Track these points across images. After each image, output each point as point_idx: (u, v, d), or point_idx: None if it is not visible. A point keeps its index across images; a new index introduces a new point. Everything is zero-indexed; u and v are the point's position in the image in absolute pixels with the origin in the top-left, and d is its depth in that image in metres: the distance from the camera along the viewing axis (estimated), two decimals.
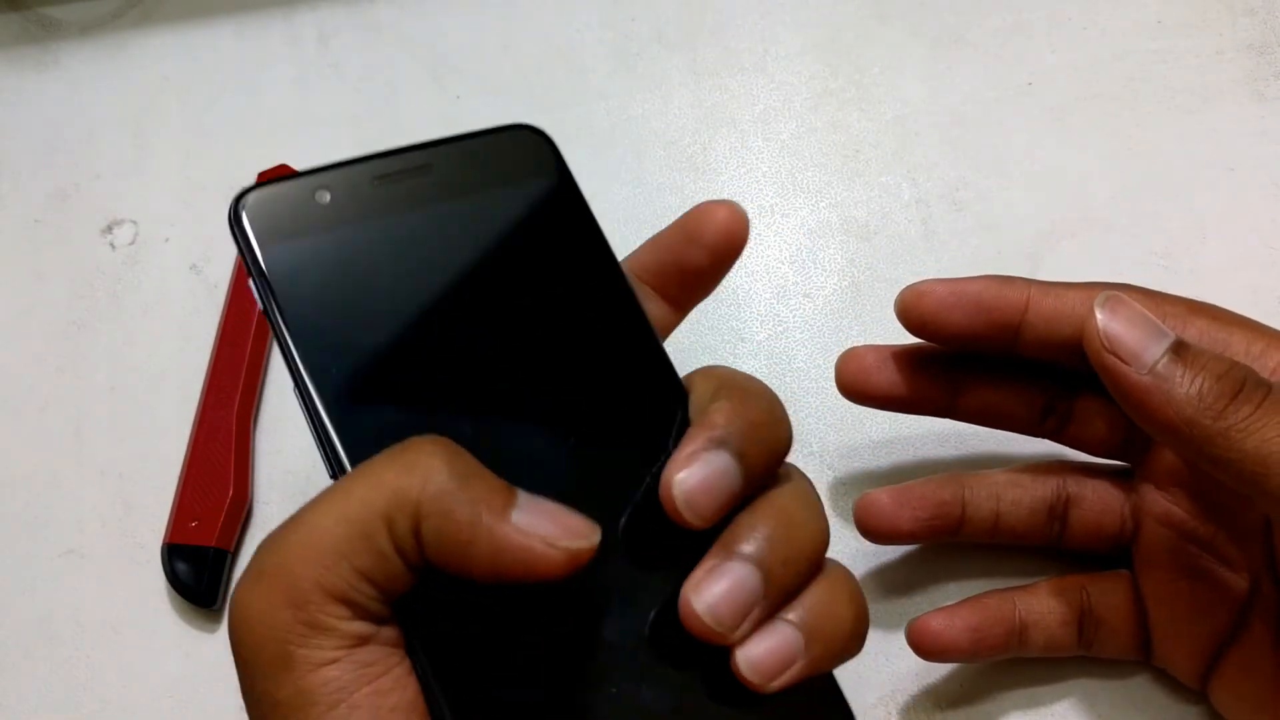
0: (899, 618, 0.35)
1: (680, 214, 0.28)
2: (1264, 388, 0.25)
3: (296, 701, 0.21)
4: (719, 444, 0.23)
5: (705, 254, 0.27)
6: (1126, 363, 0.26)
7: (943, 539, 0.34)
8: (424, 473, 0.22)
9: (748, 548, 0.23)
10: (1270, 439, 0.24)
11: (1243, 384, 0.25)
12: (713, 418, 0.24)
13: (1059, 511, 0.33)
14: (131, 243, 0.45)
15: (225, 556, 0.38)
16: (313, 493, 0.40)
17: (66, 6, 0.50)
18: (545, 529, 0.22)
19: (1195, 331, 0.29)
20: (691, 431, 0.24)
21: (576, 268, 0.27)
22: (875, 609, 0.31)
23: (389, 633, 0.22)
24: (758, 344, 0.41)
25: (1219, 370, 0.26)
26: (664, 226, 0.28)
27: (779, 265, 0.43)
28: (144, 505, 0.40)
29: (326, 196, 0.25)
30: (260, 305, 0.25)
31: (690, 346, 0.41)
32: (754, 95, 0.46)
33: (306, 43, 0.48)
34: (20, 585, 0.40)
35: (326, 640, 0.21)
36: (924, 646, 0.32)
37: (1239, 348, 0.29)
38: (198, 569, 0.38)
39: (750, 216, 0.28)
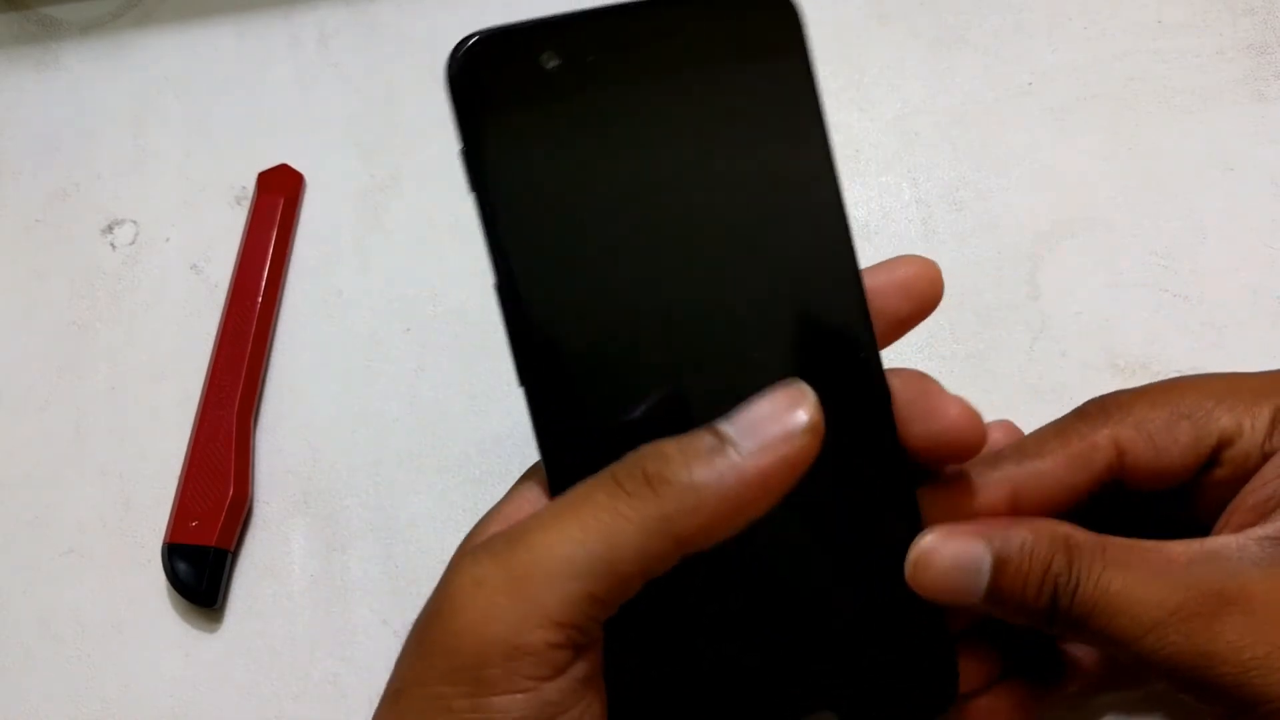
0: None
1: None
2: (1073, 584, 0.24)
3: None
4: None
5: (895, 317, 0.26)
6: (966, 600, 0.25)
7: None
8: (642, 499, 0.21)
9: None
10: (1115, 592, 0.23)
11: (1054, 589, 0.24)
12: None
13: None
14: (132, 242, 0.45)
15: (226, 556, 0.39)
16: (314, 492, 0.40)
17: (66, 6, 0.50)
18: (765, 433, 0.22)
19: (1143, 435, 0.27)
20: None
21: (795, 162, 0.25)
22: None
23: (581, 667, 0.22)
24: None
25: (1034, 590, 0.24)
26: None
27: None
28: (144, 505, 0.40)
29: (553, 61, 0.23)
30: (466, 181, 0.23)
31: None
32: None
33: (306, 43, 0.48)
34: (21, 585, 0.40)
35: (533, 667, 0.21)
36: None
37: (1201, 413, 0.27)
38: (198, 569, 0.38)
39: None
